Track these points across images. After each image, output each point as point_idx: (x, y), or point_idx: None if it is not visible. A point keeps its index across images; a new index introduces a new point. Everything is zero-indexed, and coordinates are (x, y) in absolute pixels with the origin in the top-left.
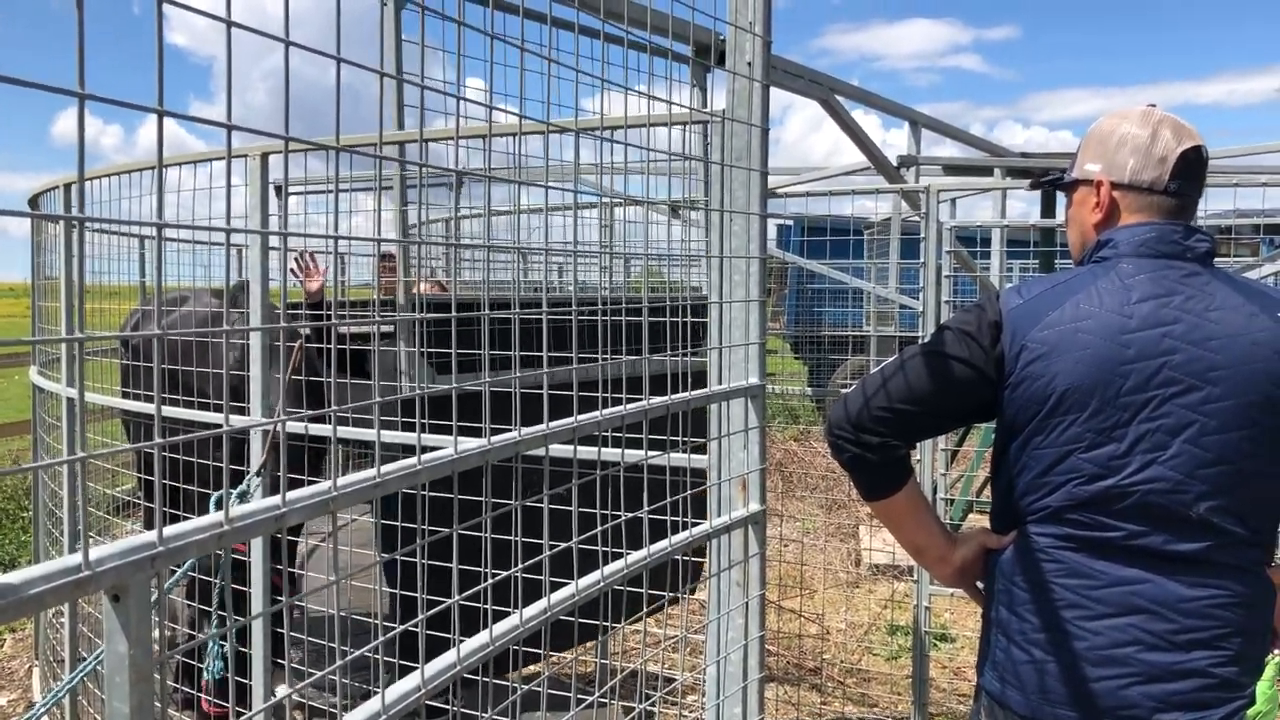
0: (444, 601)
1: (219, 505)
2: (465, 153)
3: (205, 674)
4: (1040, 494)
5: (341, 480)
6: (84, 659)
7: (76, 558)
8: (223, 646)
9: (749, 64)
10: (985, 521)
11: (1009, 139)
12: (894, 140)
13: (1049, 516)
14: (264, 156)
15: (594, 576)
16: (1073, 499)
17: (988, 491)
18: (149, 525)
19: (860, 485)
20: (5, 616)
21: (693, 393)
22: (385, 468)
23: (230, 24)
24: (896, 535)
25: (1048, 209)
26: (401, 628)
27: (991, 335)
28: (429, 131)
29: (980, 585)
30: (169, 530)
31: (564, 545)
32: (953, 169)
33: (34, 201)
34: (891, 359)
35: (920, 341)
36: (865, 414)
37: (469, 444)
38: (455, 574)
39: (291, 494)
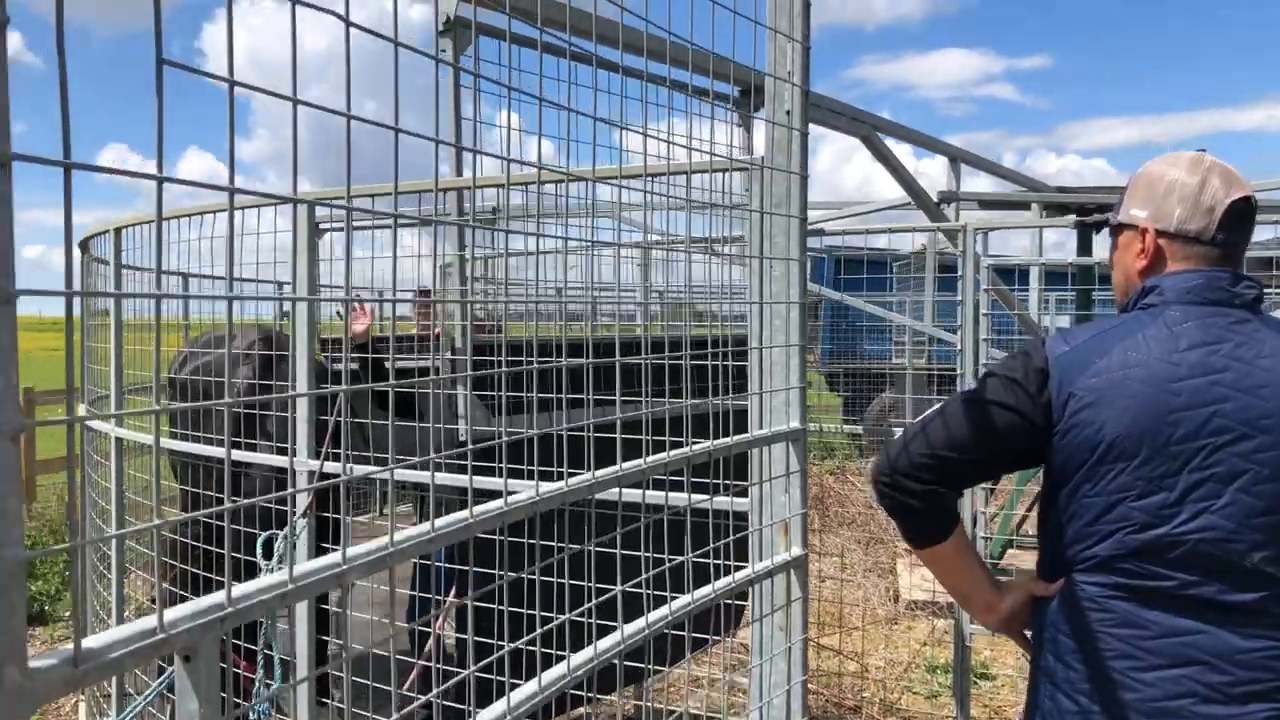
0: (492, 644)
1: (265, 548)
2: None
3: (250, 713)
4: (1089, 542)
5: (398, 535)
6: (130, 694)
7: (151, 620)
8: (269, 687)
9: (788, 112)
10: (1024, 557)
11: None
12: (925, 169)
13: (1098, 565)
14: (311, 205)
15: (640, 623)
16: (1122, 547)
17: (1025, 527)
18: (186, 559)
19: (905, 532)
20: (89, 679)
21: (734, 438)
22: (439, 521)
23: (296, 102)
24: (943, 581)
25: (1083, 246)
26: (465, 673)
27: (1038, 382)
28: (479, 180)
29: (1028, 633)
30: (236, 590)
31: (612, 591)
32: (990, 204)
33: (84, 244)
34: (934, 407)
35: (962, 388)
36: (903, 460)
37: (519, 495)
38: (505, 618)
39: (351, 551)
